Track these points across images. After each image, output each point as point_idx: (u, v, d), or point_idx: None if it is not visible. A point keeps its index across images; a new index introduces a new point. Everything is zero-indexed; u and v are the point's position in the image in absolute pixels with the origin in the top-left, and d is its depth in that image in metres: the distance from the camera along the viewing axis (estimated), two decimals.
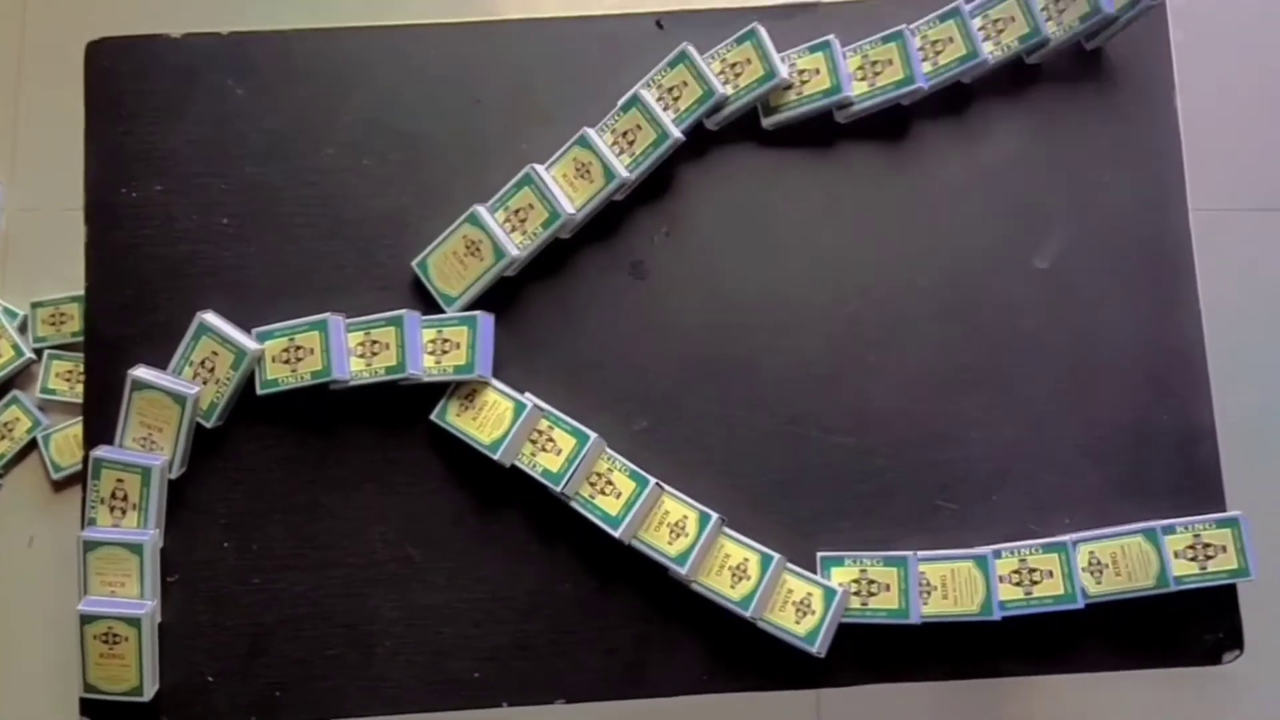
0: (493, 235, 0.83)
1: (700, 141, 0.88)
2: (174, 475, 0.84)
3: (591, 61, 0.89)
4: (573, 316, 0.87)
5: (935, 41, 0.86)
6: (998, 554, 0.82)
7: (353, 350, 0.83)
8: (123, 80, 0.89)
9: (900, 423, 0.86)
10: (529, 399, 0.83)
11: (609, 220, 0.88)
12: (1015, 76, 0.89)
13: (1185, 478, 0.85)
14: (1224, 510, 0.84)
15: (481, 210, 0.84)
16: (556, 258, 0.87)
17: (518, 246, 0.84)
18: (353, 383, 0.83)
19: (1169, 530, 0.82)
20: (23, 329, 1.46)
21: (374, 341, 0.83)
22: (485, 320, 0.84)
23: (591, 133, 0.85)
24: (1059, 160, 0.89)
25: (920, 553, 0.82)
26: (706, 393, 0.87)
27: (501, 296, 0.86)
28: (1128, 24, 0.86)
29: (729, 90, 0.85)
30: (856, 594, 0.82)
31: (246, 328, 0.85)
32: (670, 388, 0.87)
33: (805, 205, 0.88)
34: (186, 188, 0.88)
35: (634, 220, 0.88)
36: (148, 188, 0.88)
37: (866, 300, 0.87)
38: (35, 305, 1.45)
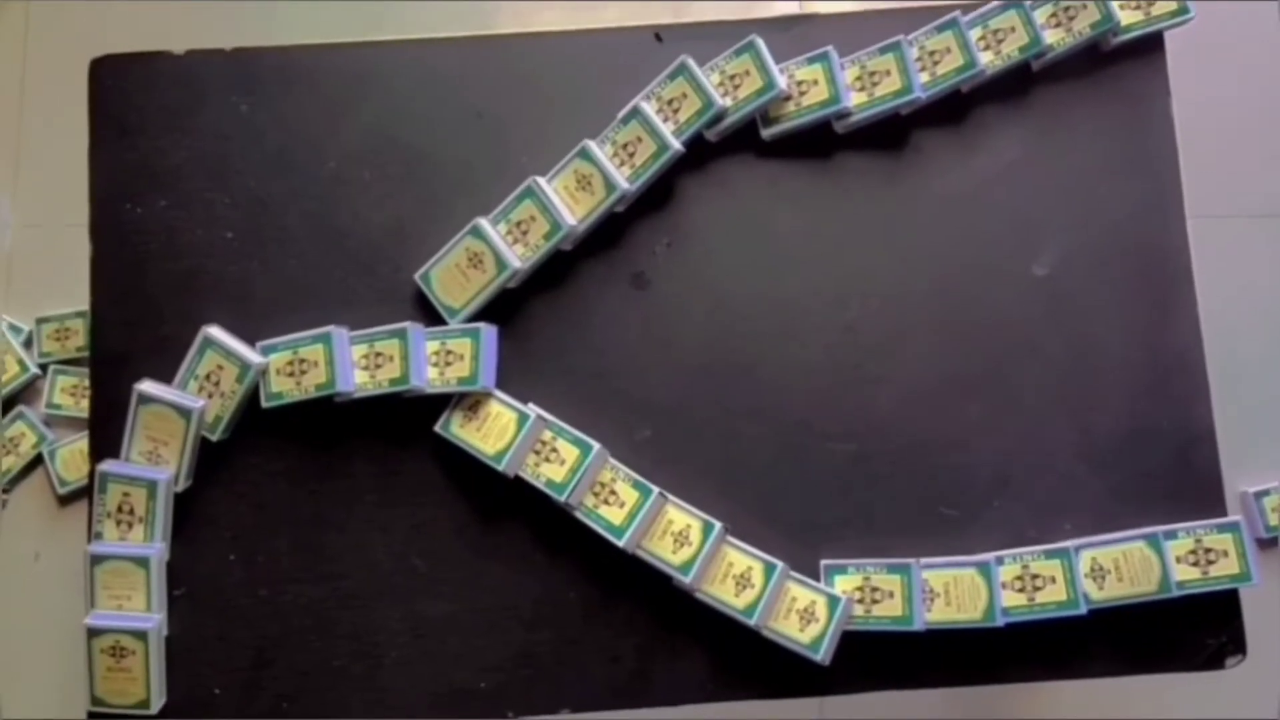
0: (495, 247, 0.84)
1: (700, 153, 0.89)
2: (180, 489, 0.84)
3: (591, 75, 0.89)
4: (575, 328, 0.88)
5: (933, 52, 0.86)
6: (1000, 560, 0.82)
7: (357, 363, 0.84)
8: (127, 97, 0.90)
9: (900, 430, 0.86)
10: (532, 410, 0.84)
11: (610, 232, 0.88)
12: (1013, 86, 0.89)
13: (1185, 482, 0.85)
14: (1224, 514, 0.84)
15: (483, 223, 0.85)
16: (558, 269, 0.88)
17: (520, 259, 0.85)
18: (357, 395, 0.83)
19: (1171, 536, 0.82)
20: (28, 345, 1.46)
21: (378, 354, 0.84)
22: (488, 332, 0.85)
23: (592, 145, 0.85)
24: (1057, 168, 0.89)
25: (923, 560, 0.82)
26: (708, 402, 0.87)
27: (504, 308, 0.87)
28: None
29: (728, 102, 0.86)
30: (860, 602, 0.82)
31: (251, 342, 0.85)
32: (672, 397, 0.87)
33: (804, 215, 0.89)
34: (190, 203, 0.89)
35: (635, 232, 0.89)
36: (152, 203, 0.88)
37: (865, 308, 0.88)
38: (40, 321, 1.46)
